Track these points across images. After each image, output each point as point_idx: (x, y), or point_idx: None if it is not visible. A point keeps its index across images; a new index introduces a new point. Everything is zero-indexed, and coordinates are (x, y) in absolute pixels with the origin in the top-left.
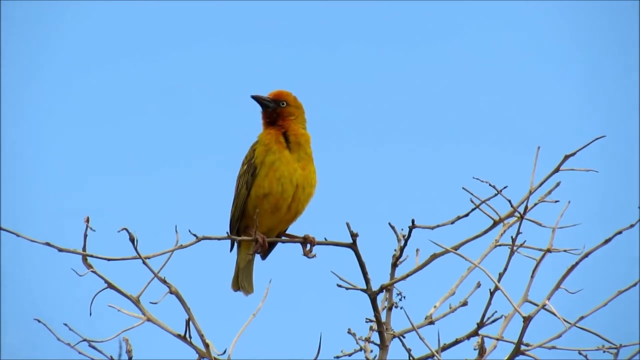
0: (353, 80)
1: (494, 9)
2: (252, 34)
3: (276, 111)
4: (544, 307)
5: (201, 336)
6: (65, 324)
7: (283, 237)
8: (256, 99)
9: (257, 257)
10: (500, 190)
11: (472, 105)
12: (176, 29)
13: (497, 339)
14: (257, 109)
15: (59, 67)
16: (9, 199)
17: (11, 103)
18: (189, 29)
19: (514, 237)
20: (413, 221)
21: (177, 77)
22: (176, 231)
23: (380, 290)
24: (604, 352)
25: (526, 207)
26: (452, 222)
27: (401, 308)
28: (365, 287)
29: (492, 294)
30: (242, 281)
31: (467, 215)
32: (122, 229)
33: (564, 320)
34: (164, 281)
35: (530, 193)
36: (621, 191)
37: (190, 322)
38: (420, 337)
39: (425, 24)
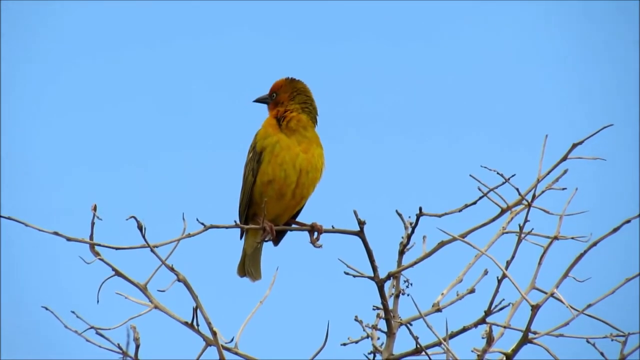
0: (362, 72)
1: (500, 5)
2: (260, 24)
3: (273, 103)
4: (551, 295)
5: (208, 324)
6: (73, 312)
7: (293, 225)
8: (258, 101)
9: (269, 243)
10: (508, 179)
11: (480, 96)
12: (182, 18)
13: (505, 327)
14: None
15: (60, 58)
16: (9, 195)
17: (11, 98)
18: (195, 19)
19: (521, 224)
20: (420, 209)
21: (190, 65)
22: (183, 219)
23: (388, 277)
24: (612, 340)
25: (534, 194)
26: (460, 210)
27: (408, 295)
28: (372, 275)
29: (499, 281)
30: (248, 267)
31: (474, 203)
32: (130, 217)
33: (572, 307)
34: (171, 269)
35: (538, 181)
36: (628, 179)
37: (198, 310)
38: (427, 325)
39: (438, 16)
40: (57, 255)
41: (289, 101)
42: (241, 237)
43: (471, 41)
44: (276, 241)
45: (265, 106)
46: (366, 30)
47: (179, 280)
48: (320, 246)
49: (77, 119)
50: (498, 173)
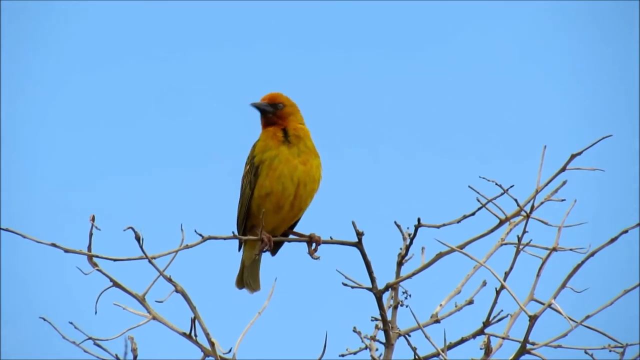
0: (357, 81)
1: (497, 10)
2: (256, 35)
3: (276, 114)
4: (550, 306)
5: (207, 335)
6: (71, 323)
7: (290, 236)
8: (257, 107)
9: (266, 254)
10: (507, 190)
11: (478, 106)
12: (181, 30)
13: (503, 338)
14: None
15: (62, 67)
16: (10, 199)
17: (13, 103)
18: (194, 30)
19: (520, 236)
20: (419, 220)
21: (185, 77)
22: (182, 230)
23: (386, 288)
24: (610, 351)
25: (532, 205)
26: (458, 221)
27: (407, 306)
28: (370, 286)
29: (498, 292)
30: (247, 278)
31: (473, 214)
32: (128, 228)
33: (570, 319)
34: (169, 280)
35: (537, 192)
36: (627, 190)
37: (196, 321)
38: (426, 336)
39: (433, 24)
40: (55, 266)
41: (299, 114)
42: (239, 249)
43: (472, 50)
44: (273, 252)
45: (254, 112)
46: (365, 42)
47: (177, 291)
48: (317, 258)
49: (75, 126)
50: (496, 184)
